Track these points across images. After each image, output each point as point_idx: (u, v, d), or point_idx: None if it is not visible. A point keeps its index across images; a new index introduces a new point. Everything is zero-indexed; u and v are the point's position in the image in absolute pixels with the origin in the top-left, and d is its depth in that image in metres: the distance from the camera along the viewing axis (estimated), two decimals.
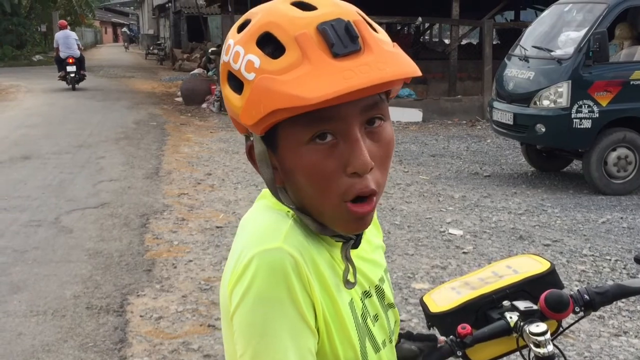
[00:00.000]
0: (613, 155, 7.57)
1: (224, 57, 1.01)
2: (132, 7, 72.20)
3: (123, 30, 61.86)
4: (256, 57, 0.94)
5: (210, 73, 19.63)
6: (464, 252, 5.56)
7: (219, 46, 20.24)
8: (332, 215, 1.00)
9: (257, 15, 1.00)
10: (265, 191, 1.11)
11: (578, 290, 1.57)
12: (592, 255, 5.51)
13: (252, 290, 0.94)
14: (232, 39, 1.00)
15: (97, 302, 4.61)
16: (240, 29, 1.00)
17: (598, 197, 7.48)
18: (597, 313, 4.28)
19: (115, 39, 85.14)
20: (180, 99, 16.95)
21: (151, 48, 39.36)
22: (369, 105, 0.96)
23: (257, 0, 16.12)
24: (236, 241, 1.05)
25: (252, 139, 1.03)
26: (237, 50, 0.97)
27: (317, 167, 0.95)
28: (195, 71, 20.89)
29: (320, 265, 1.01)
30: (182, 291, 4.77)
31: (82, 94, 18.48)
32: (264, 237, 0.98)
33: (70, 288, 4.84)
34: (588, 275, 5.04)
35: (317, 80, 0.89)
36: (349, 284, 1.04)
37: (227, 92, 1.00)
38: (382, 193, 1.02)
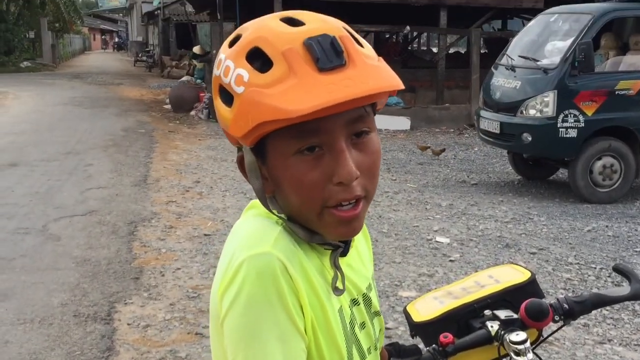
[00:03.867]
0: (598, 164, 7.64)
1: (215, 71, 1.04)
2: (120, 14, 72.07)
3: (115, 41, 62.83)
4: (245, 71, 0.98)
5: (198, 80, 19.63)
6: (450, 260, 5.60)
7: (208, 53, 20.29)
8: (319, 223, 1.03)
9: (247, 30, 1.03)
10: (254, 202, 1.14)
11: (557, 299, 1.60)
12: (578, 263, 5.56)
13: (243, 295, 0.96)
14: (224, 53, 1.04)
15: (85, 310, 4.61)
16: (232, 44, 1.03)
17: (584, 206, 7.55)
18: (582, 321, 4.32)
19: (104, 46, 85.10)
20: (168, 107, 16.95)
21: (140, 55, 39.32)
22: (354, 117, 0.99)
23: (245, 8, 16.19)
24: (226, 247, 1.07)
25: (242, 150, 1.06)
26: (228, 64, 1.01)
27: (303, 177, 0.99)
28: (184, 78, 20.84)
29: (309, 271, 1.04)
30: (169, 299, 4.78)
31: (71, 100, 18.43)
32: (253, 242, 1.01)
33: (57, 296, 4.84)
34: (573, 284, 5.09)
35: (302, 93, 0.92)
36: (337, 291, 1.07)
37: (219, 104, 1.03)
38: (371, 199, 1.05)
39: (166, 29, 35.28)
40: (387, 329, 4.21)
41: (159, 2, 35.42)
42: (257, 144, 1.01)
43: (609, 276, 5.23)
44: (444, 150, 10.74)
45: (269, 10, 14.82)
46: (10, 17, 35.30)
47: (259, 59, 0.98)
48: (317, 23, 0.99)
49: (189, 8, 26.32)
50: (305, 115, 0.91)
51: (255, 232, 1.05)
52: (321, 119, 0.94)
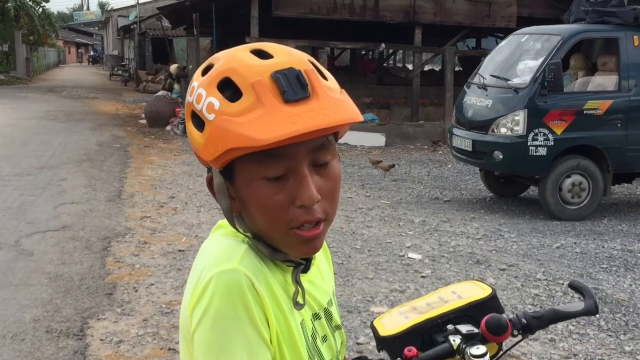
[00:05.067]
0: (567, 182, 7.81)
1: (188, 97, 1.11)
2: (96, 28, 71.81)
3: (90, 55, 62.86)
4: (216, 100, 1.04)
5: (174, 95, 19.63)
6: (422, 276, 5.68)
7: (184, 68, 20.29)
8: (282, 241, 1.10)
9: (219, 61, 1.09)
10: (221, 222, 1.21)
11: (516, 314, 1.67)
12: (546, 279, 5.67)
13: (212, 309, 1.03)
14: (197, 81, 1.10)
15: (57, 325, 4.60)
16: (205, 72, 1.10)
17: (553, 223, 7.69)
18: (549, 336, 4.42)
19: (80, 59, 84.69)
20: (144, 121, 16.92)
21: (115, 69, 39.21)
22: (317, 145, 1.06)
23: (221, 24, 16.24)
24: (195, 265, 1.14)
25: (212, 171, 1.12)
26: (200, 92, 1.07)
27: (268, 200, 1.06)
28: (160, 93, 20.82)
29: (273, 286, 1.10)
30: (143, 315, 4.79)
31: (45, 114, 18.33)
32: (221, 259, 1.08)
33: (29, 312, 4.83)
34: (541, 299, 5.19)
35: (268, 123, 0.99)
36: (297, 305, 1.14)
37: (191, 129, 1.10)
38: (331, 221, 1.13)
39: (142, 43, 35.23)
40: (358, 344, 4.27)
41: (135, 17, 35.44)
42: (225, 167, 1.07)
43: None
44: (393, 166, 10.91)
45: (245, 26, 14.92)
46: None
47: (229, 89, 1.04)
48: (285, 57, 1.06)
49: (166, 23, 26.38)
50: (270, 144, 0.98)
51: (222, 250, 1.11)
52: (286, 146, 1.01)
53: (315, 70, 1.06)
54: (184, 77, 19.45)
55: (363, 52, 24.60)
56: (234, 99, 1.03)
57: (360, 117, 1.07)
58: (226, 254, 1.09)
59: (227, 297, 1.03)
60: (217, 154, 1.03)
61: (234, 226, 1.14)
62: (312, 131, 1.00)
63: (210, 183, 1.15)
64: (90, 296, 5.16)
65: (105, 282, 5.47)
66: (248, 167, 1.05)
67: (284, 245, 1.11)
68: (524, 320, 1.66)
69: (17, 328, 4.55)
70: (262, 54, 1.07)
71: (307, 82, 1.03)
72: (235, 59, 1.07)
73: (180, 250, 6.30)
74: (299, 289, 1.14)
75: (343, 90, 1.10)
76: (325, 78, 1.08)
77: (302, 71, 1.04)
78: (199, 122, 1.07)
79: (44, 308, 4.91)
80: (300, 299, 1.14)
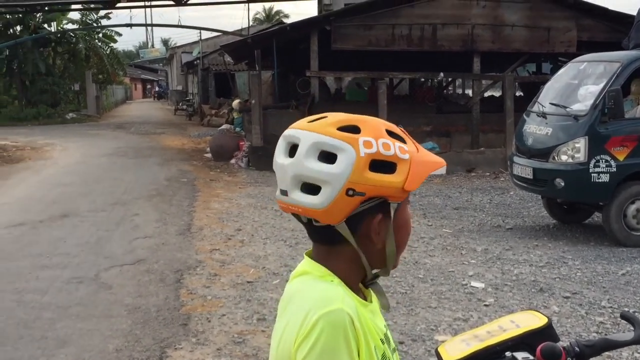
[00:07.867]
0: (632, 208, 7.77)
1: (367, 150, 1.31)
2: (161, 64, 74.05)
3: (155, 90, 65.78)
4: (399, 144, 1.35)
5: (237, 129, 20.16)
6: (485, 305, 5.77)
7: (247, 102, 20.82)
8: (395, 259, 1.42)
9: (364, 121, 1.35)
10: (305, 268, 1.43)
11: (570, 342, 1.82)
12: (611, 307, 5.68)
13: (319, 344, 1.25)
14: (367, 136, 1.31)
15: (138, 355, 4.89)
16: (349, 130, 1.32)
17: (619, 249, 7.64)
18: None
19: (145, 95, 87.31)
20: (209, 155, 17.42)
21: (180, 104, 40.34)
22: None
23: (281, 57, 16.65)
24: (292, 308, 1.36)
25: (378, 215, 1.35)
26: (385, 142, 1.33)
27: (410, 221, 1.45)
28: (223, 127, 21.41)
29: (361, 317, 1.33)
30: (216, 344, 5.03)
31: (115, 151, 19.08)
32: (325, 301, 1.30)
33: (112, 342, 5.14)
34: (606, 327, 5.21)
35: (432, 156, 1.40)
36: (386, 308, 1.48)
37: (374, 176, 1.31)
38: None
39: (205, 78, 36.21)
40: None
41: (199, 53, 36.51)
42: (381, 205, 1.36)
43: None
44: None
45: (305, 60, 15.30)
46: (57, 71, 36.67)
47: (396, 137, 1.36)
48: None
49: (227, 58, 27.11)
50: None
51: (324, 293, 1.33)
52: None
53: None
54: (246, 112, 19.97)
55: (422, 80, 24.74)
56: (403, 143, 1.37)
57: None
58: (329, 296, 1.31)
59: (333, 334, 1.25)
60: (422, 181, 1.35)
61: (383, 266, 1.42)
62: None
63: (376, 227, 1.36)
64: (166, 327, 5.45)
65: (180, 313, 5.76)
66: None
67: (394, 262, 1.41)
68: (577, 349, 1.81)
69: (102, 358, 4.85)
70: None
71: None
72: (372, 119, 1.38)
73: (249, 282, 6.55)
74: (382, 296, 1.47)
75: None
76: None
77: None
78: (387, 166, 1.32)
79: (125, 338, 5.21)
80: (385, 301, 1.48)
